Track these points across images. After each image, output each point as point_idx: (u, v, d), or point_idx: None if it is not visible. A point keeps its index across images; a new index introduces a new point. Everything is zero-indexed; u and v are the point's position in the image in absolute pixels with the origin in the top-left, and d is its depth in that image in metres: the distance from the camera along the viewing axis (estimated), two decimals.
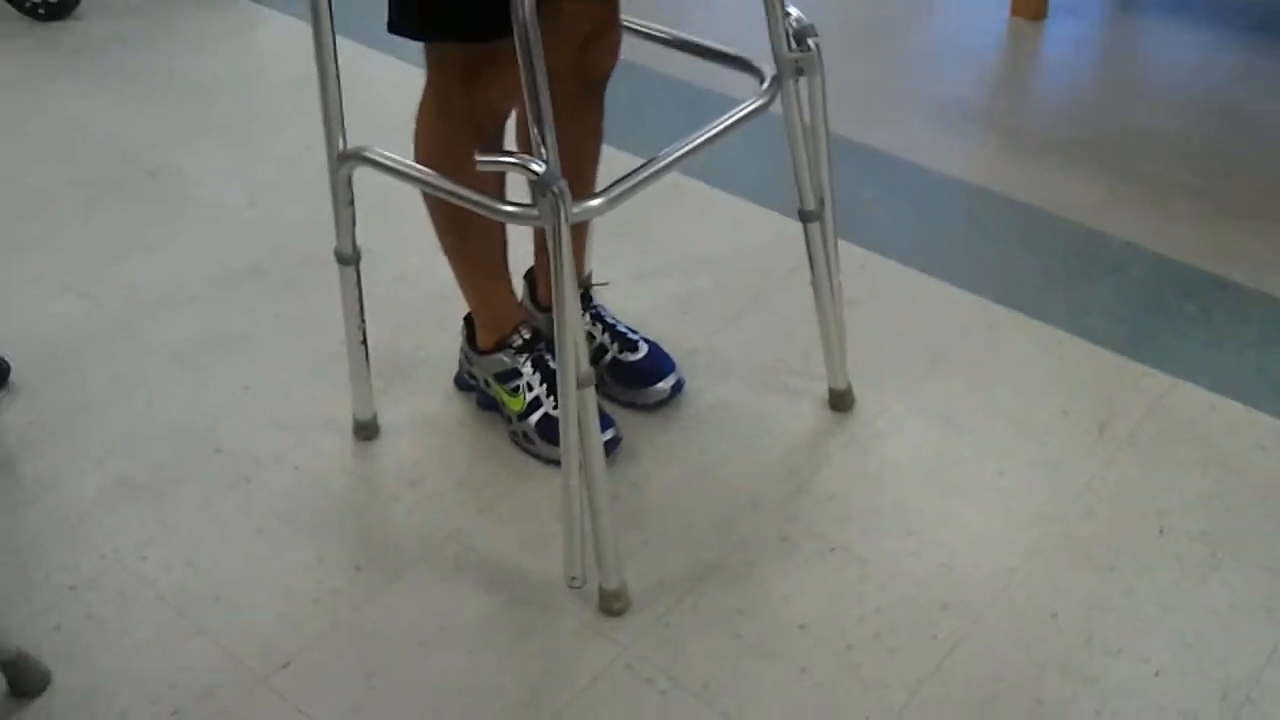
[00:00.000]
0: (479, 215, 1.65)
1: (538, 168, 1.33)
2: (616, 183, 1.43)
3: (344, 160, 1.55)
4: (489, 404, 1.83)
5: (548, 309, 1.87)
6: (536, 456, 1.77)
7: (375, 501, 1.73)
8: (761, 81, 1.56)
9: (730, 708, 1.46)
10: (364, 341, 1.73)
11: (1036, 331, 2.00)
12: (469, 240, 1.71)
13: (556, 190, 1.33)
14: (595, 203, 1.41)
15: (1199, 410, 1.85)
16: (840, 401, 1.85)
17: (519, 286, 1.87)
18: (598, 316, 1.86)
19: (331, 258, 1.65)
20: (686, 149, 1.48)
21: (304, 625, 1.55)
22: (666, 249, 2.20)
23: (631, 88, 2.63)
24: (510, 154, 1.46)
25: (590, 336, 1.84)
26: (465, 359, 1.84)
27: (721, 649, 1.52)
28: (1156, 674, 1.49)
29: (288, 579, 1.61)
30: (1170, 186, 2.35)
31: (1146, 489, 1.73)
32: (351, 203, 1.60)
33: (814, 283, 1.74)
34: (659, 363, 1.85)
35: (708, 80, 2.62)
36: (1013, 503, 1.71)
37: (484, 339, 1.79)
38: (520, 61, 1.30)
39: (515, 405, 1.77)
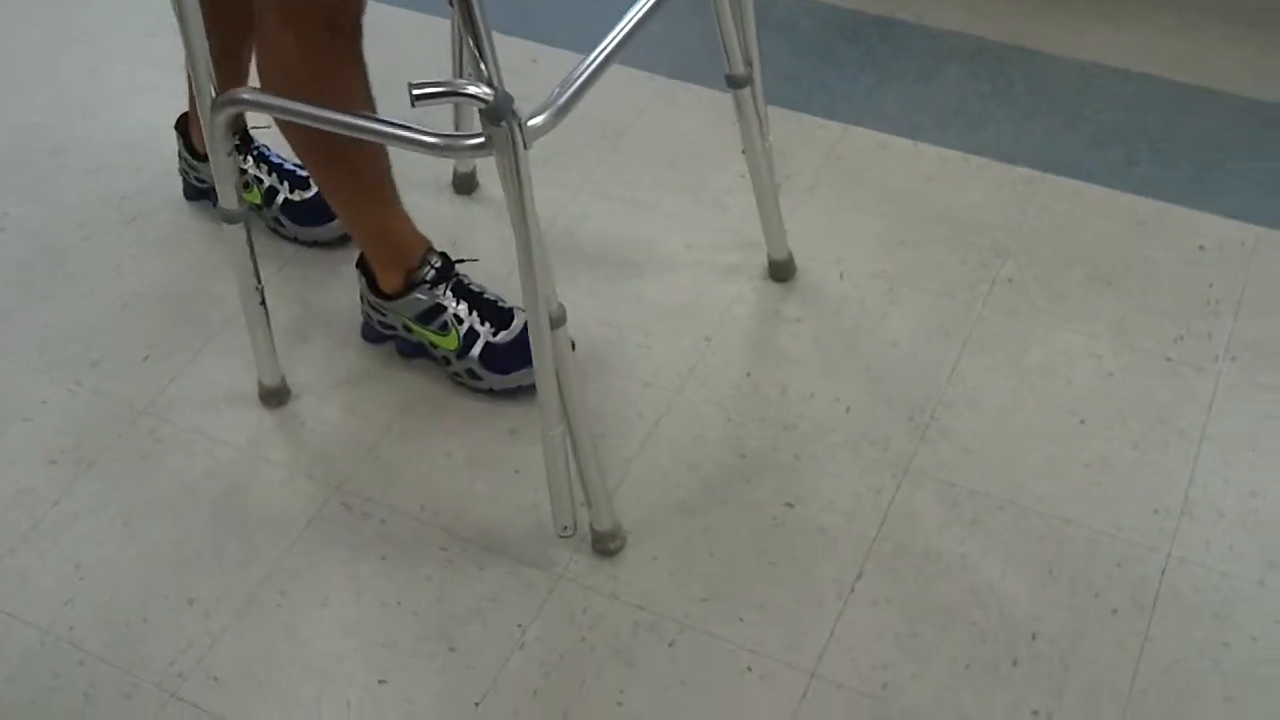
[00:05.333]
0: (362, 142, 1.37)
1: (486, 94, 1.13)
2: (559, 90, 1.22)
3: (219, 107, 1.35)
4: (413, 350, 1.63)
5: (204, 157, 1.75)
6: (490, 391, 1.59)
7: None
8: None
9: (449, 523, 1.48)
10: (263, 302, 1.53)
11: (711, 100, 2.01)
12: (357, 174, 1.50)
13: (512, 118, 1.13)
14: (540, 119, 1.19)
15: (871, 152, 1.91)
16: (783, 271, 1.73)
17: (171, 137, 1.77)
18: (262, 158, 1.78)
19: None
20: (622, 32, 1.29)
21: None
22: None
23: None
24: (445, 83, 1.17)
25: (258, 179, 1.77)
26: (371, 309, 1.61)
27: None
28: (848, 410, 1.57)
29: None
30: None
31: (827, 237, 1.78)
32: (231, 153, 1.41)
33: (745, 151, 1.63)
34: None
35: None
36: (702, 272, 1.75)
37: (390, 281, 1.57)
38: None
39: (449, 344, 1.58)
